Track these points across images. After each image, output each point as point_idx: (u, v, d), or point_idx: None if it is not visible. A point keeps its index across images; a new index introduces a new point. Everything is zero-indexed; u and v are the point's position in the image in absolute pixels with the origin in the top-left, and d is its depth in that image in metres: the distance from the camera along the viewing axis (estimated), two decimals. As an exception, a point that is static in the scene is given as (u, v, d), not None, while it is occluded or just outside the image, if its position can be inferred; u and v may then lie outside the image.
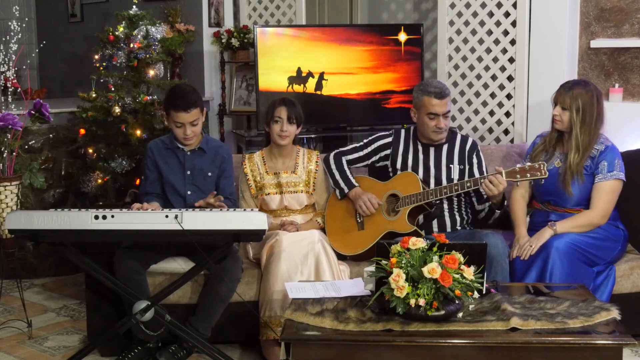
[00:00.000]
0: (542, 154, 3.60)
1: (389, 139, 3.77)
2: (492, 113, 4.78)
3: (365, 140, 3.82)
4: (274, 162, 3.75)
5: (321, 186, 3.78)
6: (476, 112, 4.84)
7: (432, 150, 3.68)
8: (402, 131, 3.78)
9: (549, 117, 3.66)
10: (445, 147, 3.68)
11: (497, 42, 4.68)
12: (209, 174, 3.53)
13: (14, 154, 3.79)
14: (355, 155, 3.80)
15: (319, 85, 4.93)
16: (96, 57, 4.42)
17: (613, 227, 3.52)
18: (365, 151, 3.79)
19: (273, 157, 3.76)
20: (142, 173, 3.61)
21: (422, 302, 2.49)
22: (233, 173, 3.65)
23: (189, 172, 3.51)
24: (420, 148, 3.70)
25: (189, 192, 3.50)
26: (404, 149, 3.72)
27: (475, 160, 3.69)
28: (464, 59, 4.83)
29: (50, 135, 4.66)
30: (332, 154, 3.80)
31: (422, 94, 3.58)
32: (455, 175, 3.64)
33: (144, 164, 3.60)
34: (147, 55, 4.37)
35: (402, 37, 4.99)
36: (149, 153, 3.56)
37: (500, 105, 4.73)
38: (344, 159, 3.77)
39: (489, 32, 4.71)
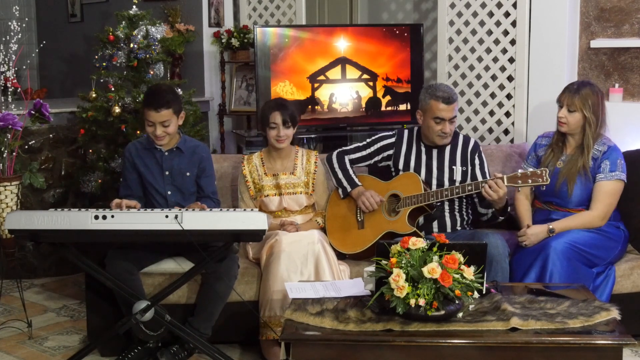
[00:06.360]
0: (550, 157, 3.58)
1: (392, 139, 3.76)
2: (492, 113, 4.77)
3: (368, 140, 3.82)
4: (272, 164, 3.75)
5: (321, 186, 3.77)
6: (476, 112, 4.84)
7: (434, 152, 3.67)
8: (405, 132, 3.77)
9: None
10: (447, 149, 3.67)
11: (497, 42, 4.67)
12: (187, 173, 3.52)
13: (14, 154, 3.79)
14: (358, 154, 3.79)
15: (319, 85, 4.93)
16: (96, 57, 4.41)
17: (614, 228, 3.52)
18: (368, 151, 3.79)
19: (272, 158, 3.75)
20: (122, 175, 3.61)
21: (422, 302, 2.49)
22: (214, 172, 3.63)
23: (167, 173, 3.50)
24: (423, 149, 3.69)
25: (169, 192, 3.50)
26: (407, 150, 3.71)
27: (477, 162, 3.68)
28: (464, 59, 4.82)
29: (50, 135, 4.65)
30: (334, 153, 3.80)
31: (430, 97, 3.55)
32: (457, 176, 3.64)
33: (123, 166, 3.60)
34: (147, 55, 4.36)
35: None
36: (127, 155, 3.55)
37: (500, 105, 4.72)
38: (346, 158, 3.77)
39: (489, 32, 4.70)
